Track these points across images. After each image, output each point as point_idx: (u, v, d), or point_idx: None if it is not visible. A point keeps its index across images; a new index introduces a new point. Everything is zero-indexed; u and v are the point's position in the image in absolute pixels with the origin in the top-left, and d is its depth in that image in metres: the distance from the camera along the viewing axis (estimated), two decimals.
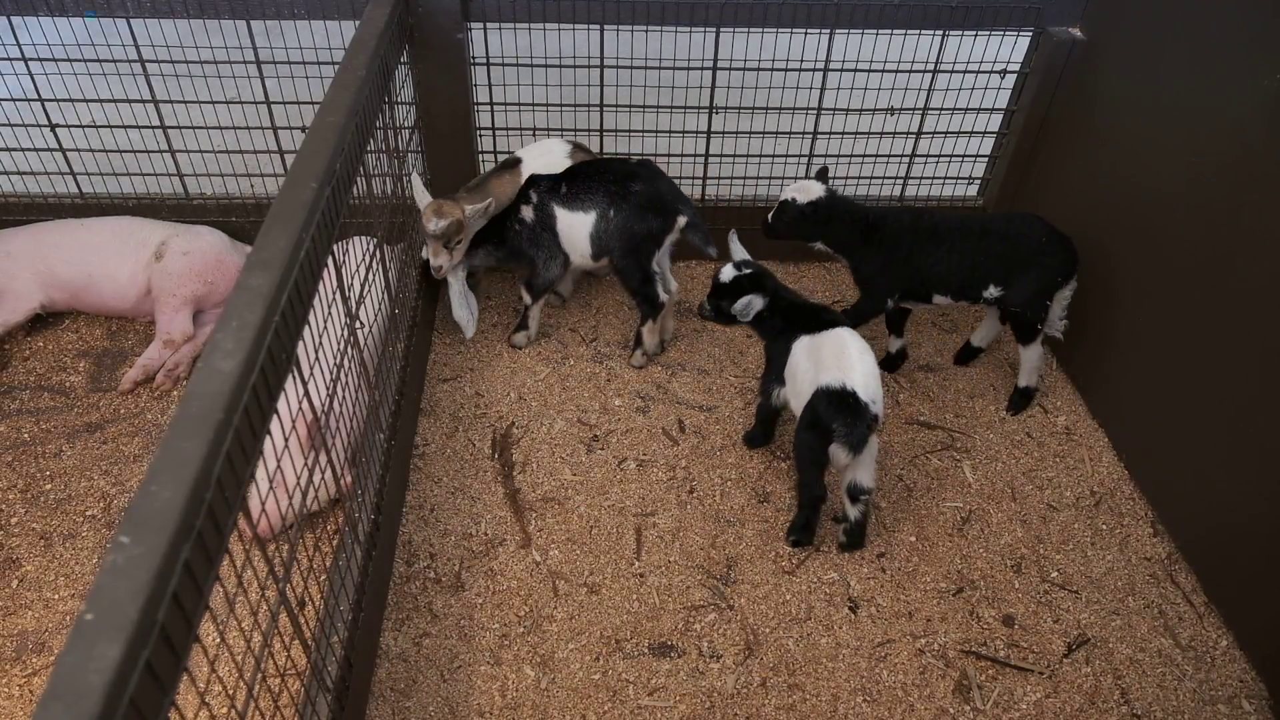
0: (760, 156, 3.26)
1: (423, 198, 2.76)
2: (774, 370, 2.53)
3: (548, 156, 3.00)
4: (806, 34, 2.96)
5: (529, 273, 2.97)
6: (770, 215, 2.80)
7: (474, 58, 2.97)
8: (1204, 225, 2.38)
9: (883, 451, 2.73)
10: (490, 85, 3.05)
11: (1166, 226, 2.53)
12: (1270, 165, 2.16)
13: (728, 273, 2.53)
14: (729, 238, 2.64)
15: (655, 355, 3.03)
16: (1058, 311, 2.79)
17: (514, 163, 3.01)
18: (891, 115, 3.20)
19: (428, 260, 2.78)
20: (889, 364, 3.04)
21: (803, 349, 2.42)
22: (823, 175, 2.82)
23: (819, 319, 2.45)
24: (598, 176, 2.79)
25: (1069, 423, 2.86)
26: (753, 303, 2.47)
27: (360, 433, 2.17)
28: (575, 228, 2.82)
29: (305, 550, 1.78)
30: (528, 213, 2.86)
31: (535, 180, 2.87)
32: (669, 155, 3.22)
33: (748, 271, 2.53)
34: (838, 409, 2.22)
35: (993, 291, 2.71)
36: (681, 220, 2.79)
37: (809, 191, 2.74)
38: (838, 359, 2.29)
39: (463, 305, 2.97)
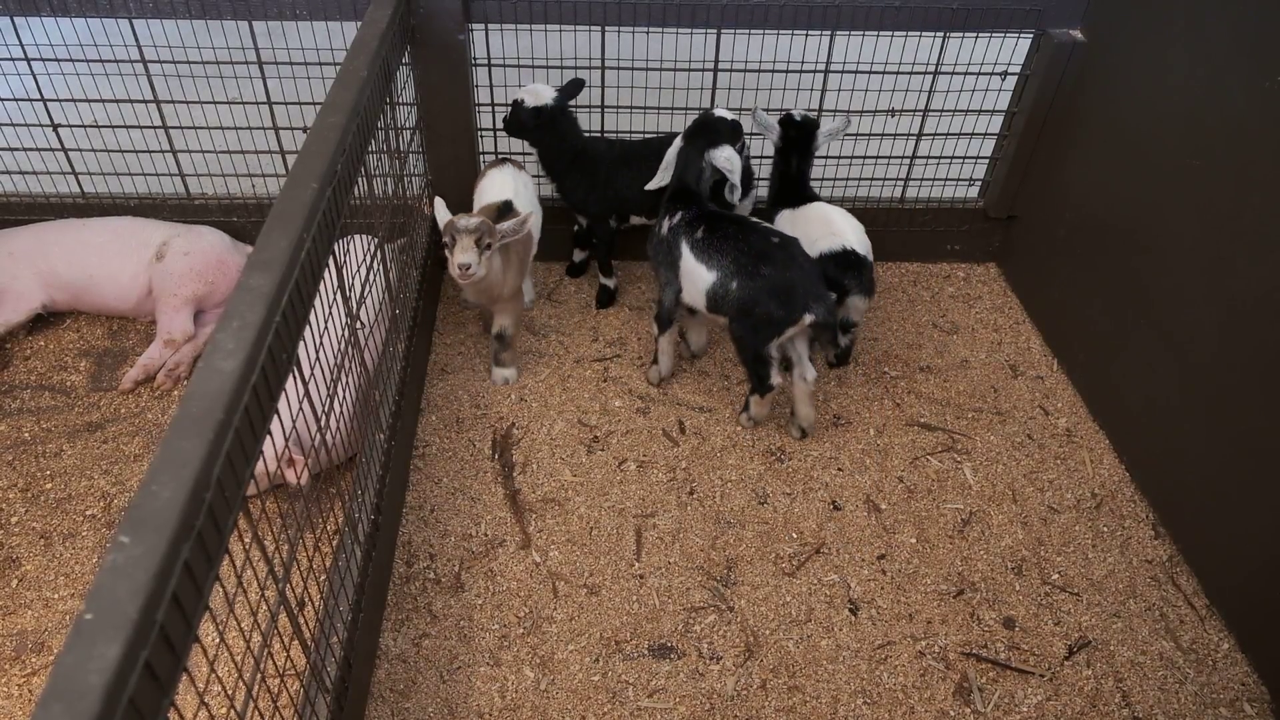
0: (762, 158, 3.26)
1: (443, 215, 2.60)
2: None
3: (502, 185, 2.87)
4: (808, 35, 2.96)
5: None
6: (507, 114, 2.93)
7: (475, 59, 2.98)
8: (1205, 227, 2.37)
9: (882, 453, 2.73)
10: (492, 86, 3.05)
11: (1167, 228, 2.53)
12: (1271, 167, 2.15)
13: (798, 112, 2.85)
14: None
15: (762, 423, 2.77)
16: None
17: (508, 205, 2.75)
18: (892, 117, 3.20)
19: (462, 262, 2.44)
20: (574, 270, 3.42)
21: (785, 221, 2.83)
22: (573, 86, 2.91)
23: (801, 194, 2.87)
24: (735, 239, 2.51)
25: (1070, 425, 2.86)
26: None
27: (365, 388, 2.17)
28: (697, 277, 2.58)
29: (305, 550, 1.78)
30: (664, 226, 2.67)
31: (684, 202, 2.63)
32: None
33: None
34: (844, 267, 2.62)
35: None
36: (808, 319, 2.44)
37: (539, 96, 2.86)
38: (826, 227, 2.71)
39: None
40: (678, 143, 2.67)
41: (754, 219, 2.65)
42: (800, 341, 2.59)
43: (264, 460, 2.02)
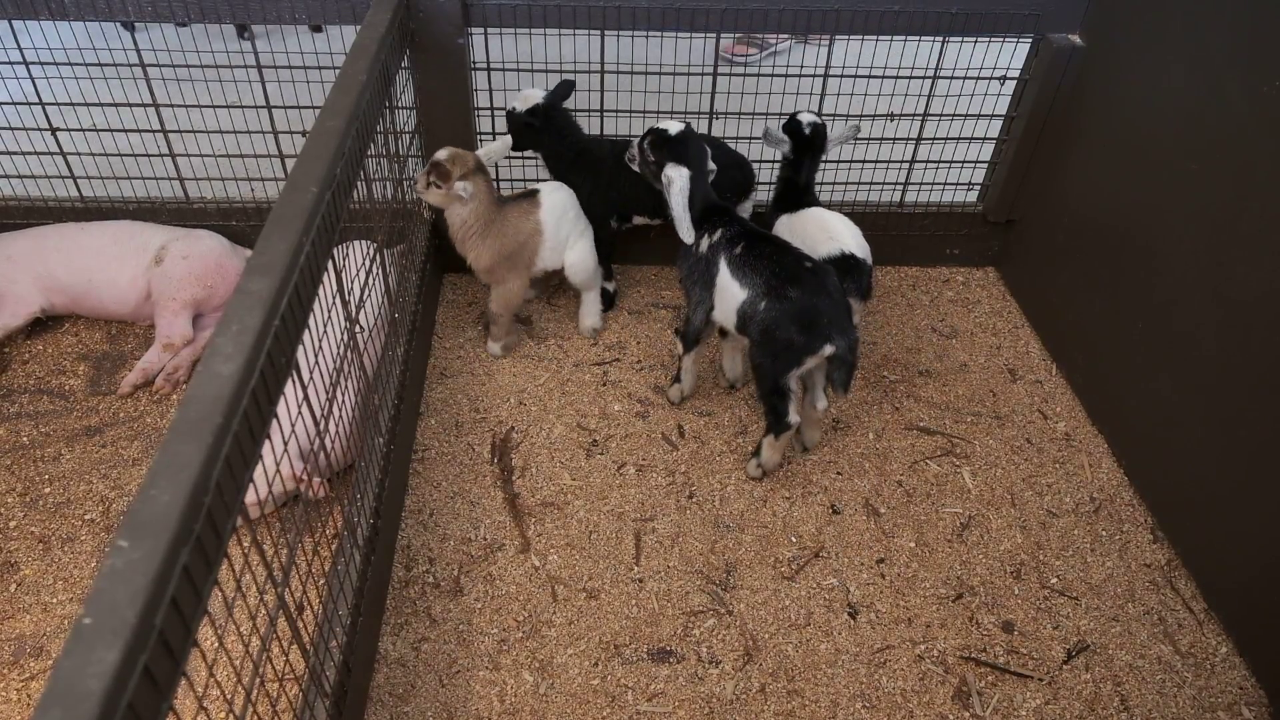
0: (761, 162, 3.27)
1: (487, 149, 2.78)
2: None
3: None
4: (807, 41, 2.96)
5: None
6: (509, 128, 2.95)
7: (475, 63, 2.98)
8: (1204, 231, 2.38)
9: (882, 457, 2.73)
10: (491, 90, 3.06)
11: (1166, 232, 2.53)
12: (1270, 171, 2.16)
13: (806, 118, 2.86)
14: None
15: (773, 472, 2.66)
16: None
17: (533, 193, 2.88)
18: (891, 122, 3.20)
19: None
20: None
21: (784, 227, 2.84)
22: (563, 88, 2.92)
23: (802, 200, 2.87)
24: (770, 259, 2.43)
25: (1069, 429, 2.86)
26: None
27: (365, 391, 2.17)
28: (730, 294, 2.50)
29: (304, 554, 1.77)
30: (703, 244, 2.57)
31: (721, 219, 2.57)
32: None
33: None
34: (844, 271, 2.57)
35: None
36: (828, 350, 2.35)
37: (529, 99, 2.86)
38: (825, 231, 2.70)
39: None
40: (681, 179, 2.51)
41: (789, 243, 2.54)
42: (817, 373, 2.54)
43: (280, 479, 2.03)
